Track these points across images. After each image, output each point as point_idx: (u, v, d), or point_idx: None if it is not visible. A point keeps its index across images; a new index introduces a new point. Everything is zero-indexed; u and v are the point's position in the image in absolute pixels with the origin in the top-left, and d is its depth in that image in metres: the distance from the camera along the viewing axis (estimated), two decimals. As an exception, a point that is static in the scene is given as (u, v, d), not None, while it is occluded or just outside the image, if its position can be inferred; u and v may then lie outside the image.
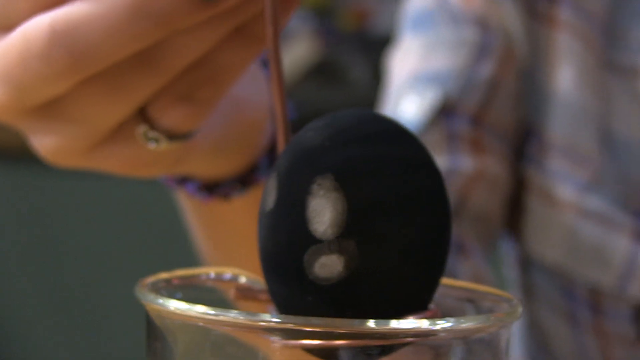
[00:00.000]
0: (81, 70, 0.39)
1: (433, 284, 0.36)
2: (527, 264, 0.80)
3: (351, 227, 0.34)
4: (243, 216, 0.55)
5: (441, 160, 0.74)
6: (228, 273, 0.41)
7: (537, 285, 0.79)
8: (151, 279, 0.38)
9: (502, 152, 0.76)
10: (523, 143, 0.77)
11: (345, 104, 1.72)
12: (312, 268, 0.34)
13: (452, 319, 0.34)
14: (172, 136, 0.44)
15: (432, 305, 0.36)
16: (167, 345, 0.37)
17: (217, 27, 0.40)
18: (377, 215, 0.34)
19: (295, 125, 0.53)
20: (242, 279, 0.41)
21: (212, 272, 0.41)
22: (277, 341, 0.34)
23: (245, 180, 0.54)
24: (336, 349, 0.33)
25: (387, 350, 0.34)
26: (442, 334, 0.35)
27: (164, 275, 0.39)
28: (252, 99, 0.51)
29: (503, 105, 0.76)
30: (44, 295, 1.93)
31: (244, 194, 0.54)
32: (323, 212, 0.34)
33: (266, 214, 0.35)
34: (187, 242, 0.64)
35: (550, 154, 0.75)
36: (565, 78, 0.75)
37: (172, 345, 0.37)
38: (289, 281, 0.35)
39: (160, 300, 0.35)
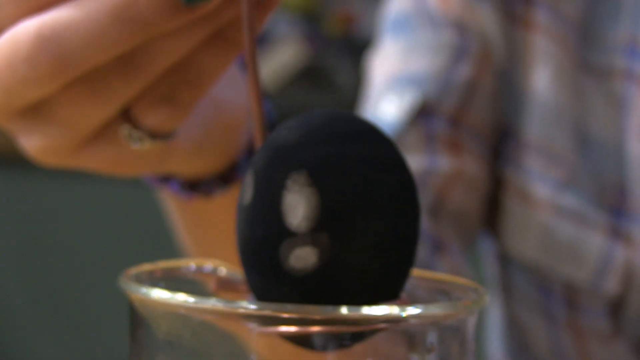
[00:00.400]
0: (66, 74, 0.41)
1: (403, 274, 0.38)
2: (504, 261, 0.81)
3: (324, 221, 0.36)
4: (224, 213, 0.57)
5: (420, 161, 0.76)
6: (209, 265, 0.43)
7: (514, 282, 0.81)
8: (134, 270, 0.40)
9: (480, 152, 0.77)
10: (500, 143, 0.79)
11: (329, 106, 1.73)
12: (287, 260, 0.36)
13: (421, 306, 0.36)
14: (154, 136, 0.45)
15: (403, 295, 0.38)
16: (149, 333, 0.38)
17: (196, 32, 0.42)
18: (349, 209, 0.36)
19: (276, 126, 0.55)
20: (222, 271, 0.43)
21: (193, 264, 0.43)
22: (254, 328, 0.36)
23: (226, 178, 0.55)
24: (310, 334, 0.35)
25: (358, 336, 0.36)
26: (412, 320, 0.36)
27: (146, 266, 0.41)
28: (231, 100, 0.52)
29: (481, 107, 0.77)
30: (32, 295, 1.94)
31: (225, 192, 0.56)
32: (297, 207, 0.36)
33: (243, 209, 0.37)
34: (173, 242, 0.65)
35: (526, 154, 0.77)
36: (542, 79, 0.76)
37: (155, 333, 0.38)
38: (266, 272, 0.37)
39: (143, 290, 0.37)
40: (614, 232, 0.75)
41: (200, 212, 0.59)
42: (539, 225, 0.76)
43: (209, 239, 0.61)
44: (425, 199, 0.75)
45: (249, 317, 0.35)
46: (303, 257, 0.36)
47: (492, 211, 0.79)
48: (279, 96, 1.84)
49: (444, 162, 0.76)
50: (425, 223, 0.75)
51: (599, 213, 0.75)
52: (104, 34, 0.40)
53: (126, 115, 0.45)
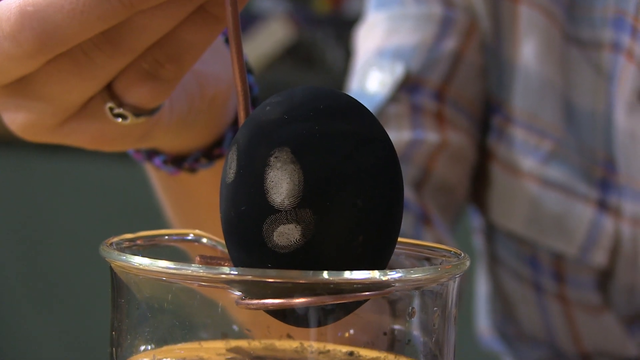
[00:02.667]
0: (49, 51, 0.41)
1: (386, 250, 0.38)
2: (491, 233, 0.81)
3: (307, 198, 0.36)
4: (209, 187, 0.57)
5: (405, 134, 0.76)
6: (190, 234, 0.43)
7: (501, 254, 0.81)
8: (115, 238, 0.40)
9: (465, 125, 0.77)
10: (487, 116, 0.79)
11: (319, 85, 1.73)
12: (270, 237, 0.36)
13: (402, 270, 0.36)
14: (138, 112, 0.45)
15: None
16: (131, 300, 0.38)
17: (179, 7, 0.42)
18: (332, 186, 0.36)
19: (258, 100, 0.55)
20: (204, 240, 0.43)
21: (174, 233, 0.43)
22: (236, 294, 0.36)
23: (210, 153, 0.55)
24: (292, 297, 0.35)
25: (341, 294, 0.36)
26: (393, 284, 0.36)
27: (128, 235, 0.40)
28: (215, 73, 0.52)
29: (466, 79, 0.77)
30: (24, 272, 1.94)
31: (210, 167, 0.56)
32: (280, 184, 0.36)
33: (227, 186, 0.37)
34: (164, 218, 0.65)
35: (512, 126, 0.77)
36: (528, 51, 0.76)
37: (136, 300, 0.38)
38: (250, 249, 0.36)
39: (124, 257, 0.37)
40: (602, 205, 0.75)
41: (184, 185, 0.59)
42: (525, 198, 0.76)
43: (193, 212, 0.61)
44: (410, 171, 0.75)
45: (230, 282, 0.35)
46: (286, 234, 0.36)
47: (478, 184, 0.80)
48: (267, 74, 1.84)
49: (429, 135, 0.76)
50: (410, 195, 0.75)
51: (586, 185, 0.75)
52: (87, 11, 0.40)
53: (110, 92, 0.45)
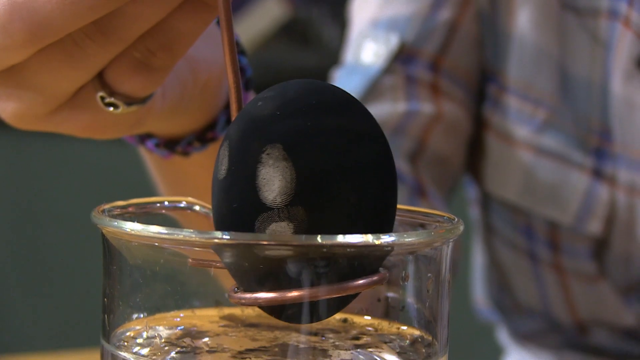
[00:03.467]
0: (39, 41, 0.41)
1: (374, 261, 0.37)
2: (487, 203, 0.81)
3: (300, 195, 0.35)
4: (203, 170, 0.57)
5: (400, 105, 0.76)
6: (183, 201, 0.42)
7: (496, 224, 0.81)
8: (107, 205, 0.39)
9: (461, 96, 0.77)
10: (483, 85, 0.78)
11: (316, 63, 1.72)
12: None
13: (396, 234, 0.36)
14: (129, 101, 0.45)
15: (381, 269, 0.37)
16: (123, 267, 0.38)
17: None
18: (325, 183, 0.35)
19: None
20: (196, 208, 0.42)
21: (166, 200, 0.42)
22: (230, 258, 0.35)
23: (203, 137, 0.55)
24: (285, 261, 0.35)
25: (333, 263, 0.35)
26: (387, 248, 0.36)
27: (119, 202, 0.40)
28: (207, 58, 0.52)
29: (461, 50, 0.77)
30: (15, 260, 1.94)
31: (203, 150, 0.56)
32: (272, 181, 0.35)
33: (219, 182, 0.37)
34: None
35: (507, 95, 0.77)
36: (524, 20, 0.76)
37: (128, 267, 0.38)
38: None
39: (115, 222, 0.37)
40: (597, 173, 0.75)
41: (178, 168, 0.59)
42: (520, 167, 0.76)
43: (187, 194, 0.61)
44: (404, 143, 0.75)
45: (223, 247, 0.35)
46: (279, 232, 0.35)
47: (473, 154, 0.79)
48: (262, 53, 1.83)
49: (424, 106, 0.76)
50: (404, 167, 0.75)
51: (581, 154, 0.75)
52: (77, 1, 0.40)
53: (101, 81, 0.45)
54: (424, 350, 0.38)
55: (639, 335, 0.79)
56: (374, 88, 0.76)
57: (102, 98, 0.45)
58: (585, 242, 0.76)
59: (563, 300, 0.79)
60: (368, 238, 0.35)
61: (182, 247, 0.36)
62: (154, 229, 0.35)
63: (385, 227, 0.37)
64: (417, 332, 0.39)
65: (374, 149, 0.37)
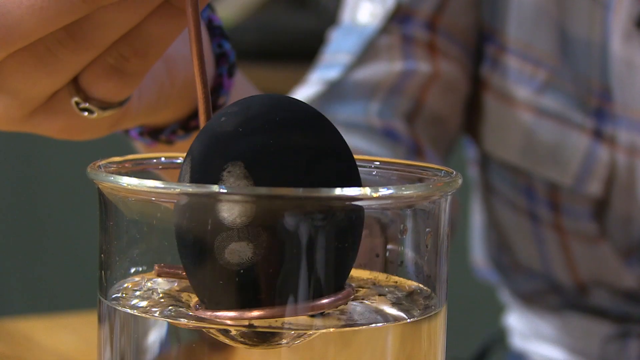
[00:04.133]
0: (9, 45, 0.40)
1: (345, 268, 0.37)
2: (486, 164, 0.81)
3: (260, 215, 0.34)
4: None
5: (396, 65, 0.75)
6: (179, 157, 0.42)
7: (496, 184, 0.80)
8: (102, 161, 0.39)
9: (458, 55, 0.77)
10: (481, 46, 0.78)
11: (313, 24, 1.72)
12: (222, 254, 0.35)
13: (393, 187, 0.35)
14: (104, 106, 0.45)
15: (347, 285, 0.37)
16: (119, 222, 0.38)
17: (143, 2, 0.41)
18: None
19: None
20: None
21: (163, 156, 0.42)
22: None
23: (187, 125, 0.54)
24: (282, 215, 0.34)
25: (330, 216, 0.35)
26: (384, 201, 0.36)
27: (116, 158, 0.40)
28: (184, 56, 0.51)
29: (458, 9, 0.76)
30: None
31: (187, 138, 0.55)
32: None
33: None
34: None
35: (507, 55, 0.76)
36: None
37: (125, 222, 0.38)
38: (202, 265, 0.36)
39: (111, 177, 0.36)
40: (597, 134, 0.74)
41: (164, 151, 0.59)
42: (520, 127, 0.76)
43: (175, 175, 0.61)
44: (401, 103, 0.75)
45: (219, 201, 0.35)
46: (238, 252, 0.35)
47: (472, 114, 0.79)
48: (260, 16, 1.82)
49: (421, 66, 0.75)
50: (401, 127, 0.74)
51: (581, 114, 0.75)
52: (46, 7, 0.39)
53: (76, 86, 0.45)
54: (422, 302, 0.38)
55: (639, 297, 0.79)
56: (371, 48, 0.76)
57: (77, 103, 0.45)
58: (585, 203, 0.76)
59: (563, 260, 0.79)
60: (366, 191, 0.35)
61: (178, 201, 0.36)
62: (151, 183, 0.35)
63: (350, 249, 0.36)
64: (415, 285, 0.39)
65: (339, 167, 0.36)
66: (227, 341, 0.36)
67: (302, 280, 0.35)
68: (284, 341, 0.36)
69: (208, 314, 0.36)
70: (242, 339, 0.36)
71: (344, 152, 0.37)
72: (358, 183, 0.37)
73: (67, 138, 0.48)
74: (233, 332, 0.36)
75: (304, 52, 1.31)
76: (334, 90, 0.76)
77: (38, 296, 1.92)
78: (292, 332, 0.36)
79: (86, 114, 0.45)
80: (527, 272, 0.83)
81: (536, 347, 0.87)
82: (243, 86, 0.57)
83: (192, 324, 0.36)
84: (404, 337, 0.38)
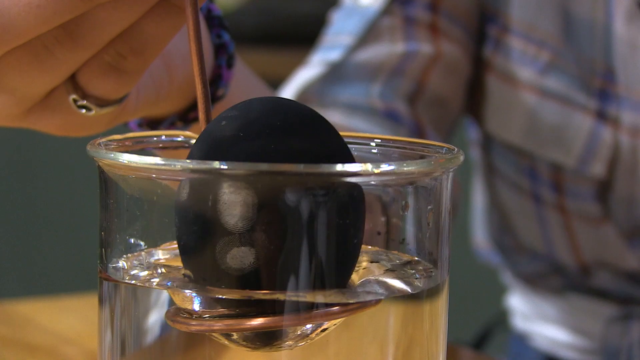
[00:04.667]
0: (5, 43, 0.40)
1: (347, 270, 0.37)
2: (489, 145, 0.81)
3: (261, 220, 0.34)
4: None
5: (398, 46, 0.75)
6: (180, 136, 0.42)
7: (499, 166, 0.80)
8: (103, 139, 0.39)
9: (460, 36, 0.76)
10: (484, 27, 0.77)
11: (314, 10, 1.71)
12: (224, 259, 0.35)
13: (395, 162, 0.35)
14: (102, 103, 0.45)
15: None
16: (120, 200, 0.38)
17: (140, 1, 0.41)
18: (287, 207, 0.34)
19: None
20: (193, 142, 0.42)
21: (163, 134, 0.42)
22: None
23: (186, 117, 0.54)
24: (283, 190, 0.34)
25: (332, 192, 0.35)
26: (386, 177, 0.35)
27: (116, 136, 0.40)
28: (183, 52, 0.51)
29: None
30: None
31: (186, 130, 0.55)
32: (234, 206, 0.34)
33: (180, 204, 0.36)
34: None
35: (510, 36, 0.76)
36: None
37: (125, 199, 0.38)
38: (204, 269, 0.36)
39: (112, 154, 0.36)
40: (600, 115, 0.74)
41: None
42: (523, 109, 0.76)
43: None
44: (403, 84, 0.75)
45: (221, 175, 0.35)
46: (240, 257, 0.35)
47: (475, 95, 0.79)
48: (262, 2, 1.82)
49: (423, 47, 0.75)
50: (403, 109, 0.74)
51: (585, 95, 0.74)
52: (43, 5, 0.39)
53: (74, 84, 0.45)
54: (424, 274, 0.38)
55: (642, 278, 0.79)
56: (372, 29, 0.75)
57: (75, 101, 0.45)
58: (588, 184, 0.76)
59: (567, 242, 0.79)
60: (367, 166, 0.34)
61: (179, 178, 0.36)
62: (151, 160, 0.35)
63: (351, 249, 0.36)
64: (416, 258, 0.39)
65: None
66: (227, 343, 0.37)
67: (304, 262, 0.35)
68: (287, 343, 0.36)
69: (207, 324, 0.35)
70: (244, 342, 0.36)
71: (344, 155, 0.36)
72: (359, 188, 0.36)
73: (65, 134, 0.48)
74: (235, 336, 0.36)
75: (305, 36, 1.30)
76: (335, 72, 0.75)
77: (37, 278, 1.93)
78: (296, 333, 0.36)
79: (84, 111, 0.45)
80: (529, 254, 0.83)
81: (539, 328, 0.87)
82: (243, 76, 0.57)
83: (191, 292, 0.36)
84: (405, 317, 0.38)
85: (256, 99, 0.37)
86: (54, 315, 0.71)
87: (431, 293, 0.38)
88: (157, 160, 0.35)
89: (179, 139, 0.42)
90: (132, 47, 0.43)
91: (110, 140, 0.39)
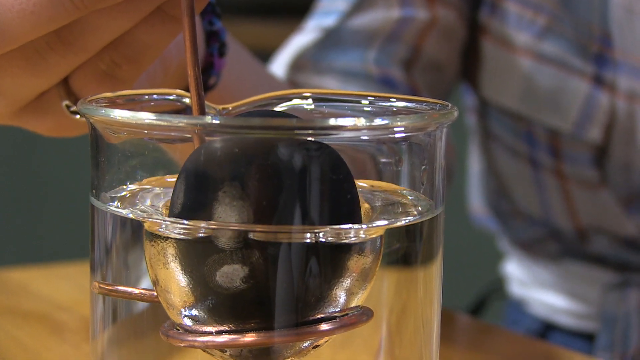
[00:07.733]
0: (1, 47, 0.40)
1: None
2: (485, 110, 0.80)
3: (255, 237, 0.34)
4: None
5: (394, 12, 0.75)
6: (173, 94, 0.42)
7: (496, 131, 0.80)
8: (94, 97, 0.39)
9: (455, 1, 0.76)
10: None
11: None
12: (213, 276, 0.34)
13: (388, 117, 0.35)
14: None
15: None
16: (110, 157, 0.37)
17: (135, 9, 0.41)
18: (283, 225, 0.34)
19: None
20: (186, 100, 0.42)
21: (155, 93, 0.41)
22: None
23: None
24: (276, 145, 0.34)
25: (325, 147, 0.35)
26: (379, 132, 0.35)
27: (107, 94, 0.39)
28: (177, 42, 0.50)
29: None
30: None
31: None
32: (228, 221, 0.34)
33: (174, 216, 0.35)
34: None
35: (506, 1, 0.75)
36: None
37: (117, 156, 0.37)
38: (194, 285, 0.35)
39: (103, 111, 0.36)
40: (597, 80, 0.74)
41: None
42: (519, 73, 0.75)
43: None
44: (399, 50, 0.74)
45: (213, 132, 0.34)
46: (230, 275, 0.34)
47: (470, 60, 0.78)
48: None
49: (418, 12, 0.74)
50: (399, 74, 0.74)
51: (581, 60, 0.74)
52: (37, 11, 0.39)
53: (67, 90, 0.44)
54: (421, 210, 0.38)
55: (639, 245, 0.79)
56: None
57: (68, 107, 0.45)
58: (585, 149, 0.76)
59: (564, 206, 0.79)
60: (361, 121, 0.34)
61: (171, 133, 0.36)
62: (143, 115, 0.34)
63: (343, 262, 0.36)
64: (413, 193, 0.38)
65: (337, 188, 0.35)
66: (220, 359, 0.36)
67: (298, 209, 0.34)
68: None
69: (201, 340, 0.35)
70: (238, 359, 0.36)
71: (342, 171, 0.35)
72: (357, 201, 0.36)
73: (56, 136, 0.48)
74: (229, 351, 0.36)
75: (298, 7, 1.30)
76: (330, 38, 0.75)
77: (33, 246, 1.93)
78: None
79: (77, 116, 0.45)
80: (526, 219, 0.83)
81: (536, 294, 0.86)
82: (235, 60, 0.57)
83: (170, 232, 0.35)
84: (399, 283, 0.38)
85: (252, 112, 0.36)
86: (48, 283, 0.71)
87: (425, 259, 0.38)
88: (148, 115, 0.34)
89: (171, 97, 0.41)
90: (127, 56, 0.43)
91: (101, 98, 0.39)
